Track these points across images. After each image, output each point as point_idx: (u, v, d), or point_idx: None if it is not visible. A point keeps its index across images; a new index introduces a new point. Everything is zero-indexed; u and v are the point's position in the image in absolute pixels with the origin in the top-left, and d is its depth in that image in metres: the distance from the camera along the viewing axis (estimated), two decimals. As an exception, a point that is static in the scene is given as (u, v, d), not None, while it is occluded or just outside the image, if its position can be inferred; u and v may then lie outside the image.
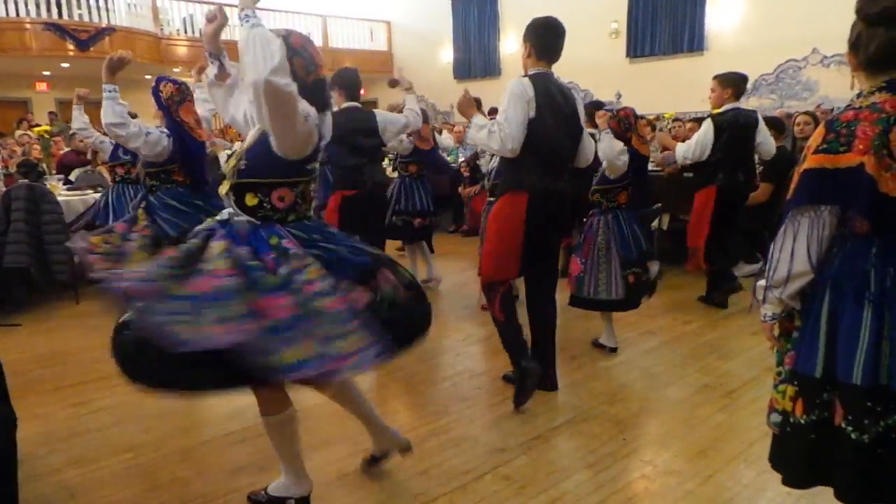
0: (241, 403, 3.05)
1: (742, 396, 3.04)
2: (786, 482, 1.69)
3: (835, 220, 1.52)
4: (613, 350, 3.67)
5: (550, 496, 2.26)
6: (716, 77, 4.16)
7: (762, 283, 1.68)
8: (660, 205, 5.37)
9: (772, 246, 1.61)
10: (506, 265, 2.90)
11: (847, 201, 1.48)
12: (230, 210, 1.98)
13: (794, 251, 1.55)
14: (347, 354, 1.79)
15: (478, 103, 3.78)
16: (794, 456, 1.64)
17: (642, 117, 9.40)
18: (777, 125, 5.19)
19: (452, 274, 5.75)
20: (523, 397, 2.89)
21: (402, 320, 2.01)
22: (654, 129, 7.76)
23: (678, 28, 11.76)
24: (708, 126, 4.05)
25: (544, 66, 2.84)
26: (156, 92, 3.42)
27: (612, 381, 3.27)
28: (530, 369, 2.87)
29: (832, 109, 7.33)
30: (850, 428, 1.49)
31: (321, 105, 1.98)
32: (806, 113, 5.78)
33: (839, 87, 9.97)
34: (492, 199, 4.27)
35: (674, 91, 11.67)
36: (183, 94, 3.37)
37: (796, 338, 1.64)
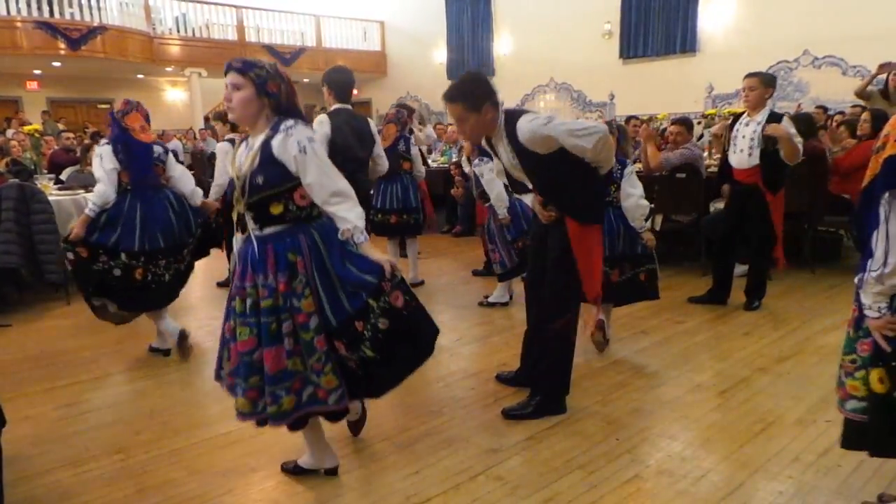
0: (232, 405, 3.05)
1: (734, 396, 3.05)
2: (875, 453, 1.88)
3: None
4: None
5: (543, 496, 2.26)
6: (754, 75, 4.06)
7: (875, 273, 1.68)
8: (652, 206, 5.39)
9: (875, 235, 1.66)
10: (591, 282, 2.76)
11: None
12: (250, 231, 2.14)
13: (892, 234, 1.63)
14: (321, 398, 2.13)
15: None
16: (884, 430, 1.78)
17: (635, 117, 9.46)
18: (810, 127, 5.20)
19: (446, 274, 5.75)
20: (524, 417, 2.86)
21: (406, 344, 2.18)
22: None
23: (671, 29, 11.82)
24: (790, 122, 3.99)
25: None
26: (111, 112, 3.65)
27: (606, 381, 3.28)
28: (557, 411, 2.88)
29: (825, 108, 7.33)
30: None
31: (301, 118, 2.13)
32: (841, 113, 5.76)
33: (830, 88, 10.05)
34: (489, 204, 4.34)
35: (667, 92, 11.72)
36: (130, 106, 3.53)
37: None
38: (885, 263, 1.66)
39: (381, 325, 2.07)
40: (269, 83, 2.06)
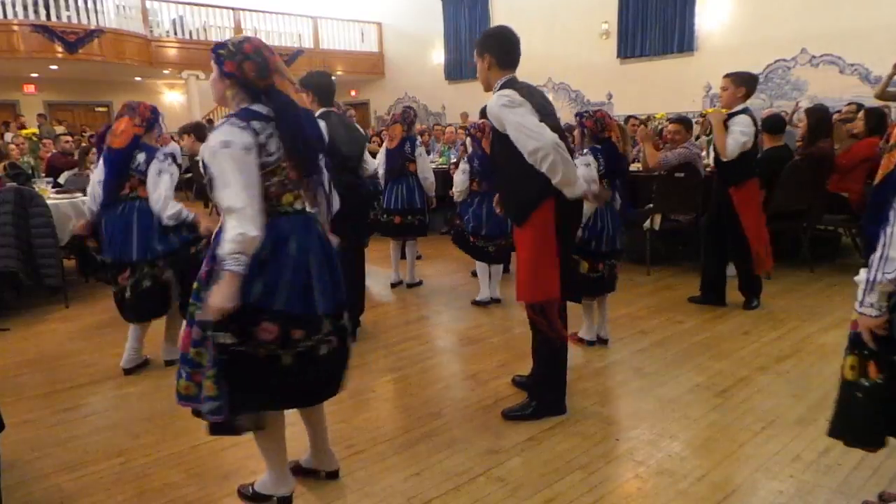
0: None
1: (734, 396, 3.05)
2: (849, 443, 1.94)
3: None
4: (591, 343, 3.75)
5: (544, 497, 2.26)
6: (728, 75, 4.09)
7: (880, 273, 1.68)
8: (651, 205, 5.39)
9: (882, 235, 1.66)
10: (547, 283, 2.66)
11: None
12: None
13: None
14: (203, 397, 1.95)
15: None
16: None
17: (634, 117, 9.46)
18: (774, 125, 5.16)
19: (445, 275, 5.75)
20: (524, 418, 2.85)
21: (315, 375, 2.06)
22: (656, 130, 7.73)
23: (668, 29, 11.82)
24: (748, 122, 4.01)
25: (510, 74, 2.71)
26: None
27: (605, 382, 3.28)
28: (556, 411, 2.85)
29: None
30: None
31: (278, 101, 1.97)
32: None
33: (827, 86, 10.06)
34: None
35: (664, 91, 11.73)
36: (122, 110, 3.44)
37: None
38: (886, 263, 1.65)
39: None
40: (226, 63, 1.92)
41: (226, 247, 1.80)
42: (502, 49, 2.67)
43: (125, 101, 3.53)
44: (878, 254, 1.67)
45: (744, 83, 4.06)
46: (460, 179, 4.69)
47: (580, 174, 2.78)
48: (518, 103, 2.53)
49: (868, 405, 1.80)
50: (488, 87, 2.75)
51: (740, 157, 4.04)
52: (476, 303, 4.72)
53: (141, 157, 3.33)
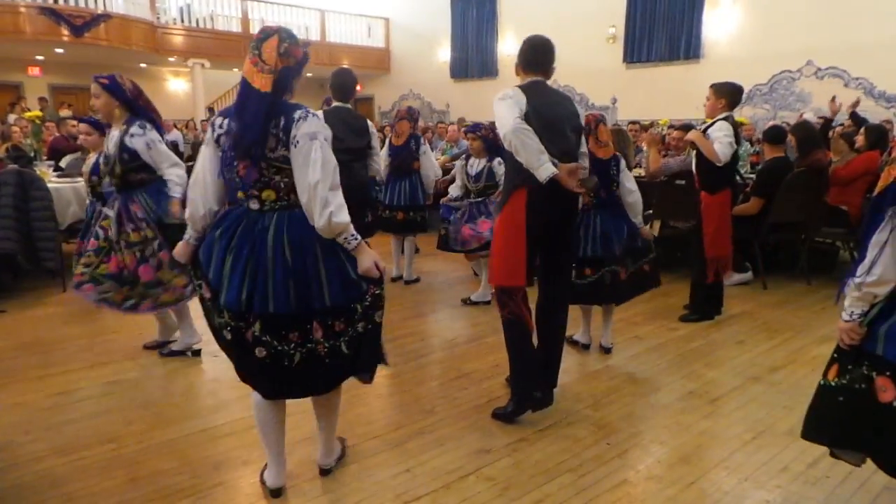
0: (227, 397, 3.07)
1: (726, 405, 3.06)
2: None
3: None
4: (585, 347, 3.76)
5: (533, 498, 2.27)
6: (712, 86, 4.15)
7: (858, 277, 1.74)
8: (650, 211, 5.41)
9: (870, 245, 1.71)
10: (514, 270, 2.74)
11: None
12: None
13: (892, 247, 1.67)
14: None
15: None
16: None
17: (637, 122, 9.46)
18: (776, 136, 5.17)
19: (442, 273, 5.76)
20: (511, 418, 2.84)
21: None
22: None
23: (675, 35, 11.83)
24: (727, 126, 4.02)
25: (533, 76, 2.80)
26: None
27: (598, 386, 3.29)
28: (539, 400, 2.82)
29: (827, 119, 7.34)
30: None
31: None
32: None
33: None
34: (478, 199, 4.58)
35: (669, 98, 11.73)
36: None
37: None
38: (868, 272, 1.71)
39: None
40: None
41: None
42: (526, 54, 2.84)
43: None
44: (862, 261, 1.73)
45: (724, 94, 4.08)
46: (460, 185, 4.77)
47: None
48: (509, 96, 2.65)
49: (818, 404, 1.91)
50: None
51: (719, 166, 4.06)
52: (472, 302, 4.73)
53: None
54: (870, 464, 1.93)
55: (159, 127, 3.38)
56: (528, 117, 2.62)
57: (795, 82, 10.62)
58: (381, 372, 3.41)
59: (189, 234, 2.14)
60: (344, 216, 1.95)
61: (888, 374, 1.70)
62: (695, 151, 4.23)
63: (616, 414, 2.97)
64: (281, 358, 2.00)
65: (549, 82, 2.86)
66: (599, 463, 2.51)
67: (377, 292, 2.09)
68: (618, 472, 2.45)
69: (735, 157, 4.17)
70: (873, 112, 9.28)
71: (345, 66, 4.57)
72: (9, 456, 2.52)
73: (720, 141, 3.97)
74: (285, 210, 2.00)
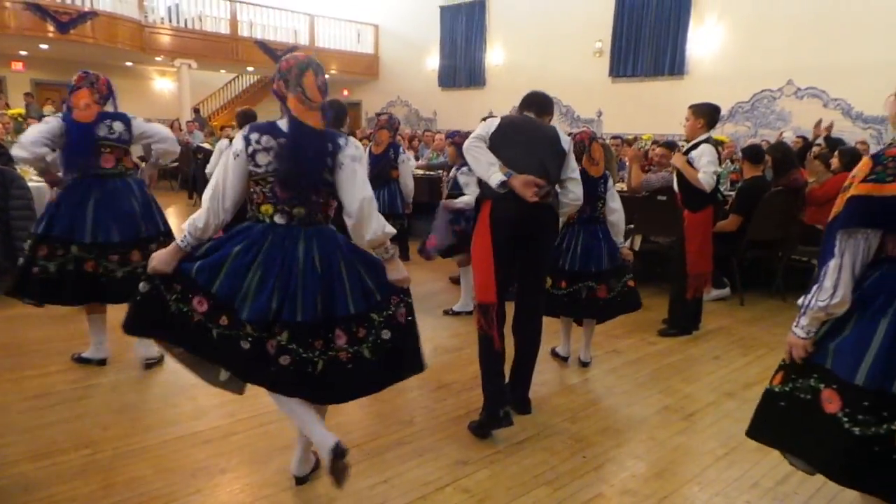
0: (206, 403, 3.06)
1: (701, 420, 3.12)
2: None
3: (877, 242, 1.77)
4: (565, 360, 3.82)
5: (509, 511, 2.30)
6: (690, 107, 4.23)
7: (823, 300, 1.82)
8: (632, 226, 5.48)
9: (824, 266, 1.82)
10: (485, 285, 2.76)
11: (891, 225, 1.73)
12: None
13: (849, 270, 1.78)
14: None
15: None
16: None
17: (619, 137, 9.57)
18: (755, 155, 5.29)
19: (426, 283, 5.78)
20: (482, 432, 2.85)
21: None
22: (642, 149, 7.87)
23: (660, 51, 12.01)
24: (711, 152, 4.10)
25: (525, 112, 3.01)
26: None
27: (576, 399, 3.33)
28: (501, 420, 2.80)
29: (805, 139, 7.51)
30: (845, 419, 1.75)
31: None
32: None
33: (811, 119, 10.26)
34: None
35: (653, 113, 11.90)
36: (83, 81, 3.28)
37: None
38: (832, 295, 1.80)
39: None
40: (275, 81, 2.17)
41: (186, 223, 2.10)
42: (525, 100, 3.07)
43: (83, 71, 3.37)
44: (816, 283, 1.84)
45: (703, 115, 4.15)
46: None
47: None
48: (487, 122, 2.90)
49: (762, 407, 2.02)
50: None
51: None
52: (454, 312, 4.76)
53: (107, 128, 3.29)
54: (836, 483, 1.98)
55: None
56: (496, 134, 2.81)
57: (776, 101, 10.83)
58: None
59: (188, 241, 2.10)
60: (391, 228, 2.19)
61: (835, 387, 1.79)
62: (676, 171, 4.30)
63: (593, 427, 3.01)
64: (305, 364, 2.06)
65: None
66: (575, 476, 2.55)
67: (409, 301, 2.25)
68: (593, 486, 2.49)
69: (717, 176, 4.26)
70: (850, 133, 9.50)
71: (335, 99, 4.55)
72: (-18, 460, 2.49)
73: (705, 170, 4.06)
74: (312, 226, 2.12)
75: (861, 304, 1.79)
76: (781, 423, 1.95)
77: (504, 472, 2.56)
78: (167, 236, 3.49)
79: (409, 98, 16.93)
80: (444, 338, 4.29)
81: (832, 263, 1.80)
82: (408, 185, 5.27)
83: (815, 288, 1.84)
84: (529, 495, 2.40)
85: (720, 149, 4.65)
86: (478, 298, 2.82)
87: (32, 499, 2.26)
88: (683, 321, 4.46)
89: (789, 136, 9.02)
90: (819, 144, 7.44)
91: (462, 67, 15.38)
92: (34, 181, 5.12)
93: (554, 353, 3.85)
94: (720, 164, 4.46)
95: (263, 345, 2.05)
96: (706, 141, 4.12)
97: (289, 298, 2.03)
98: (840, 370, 1.78)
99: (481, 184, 2.84)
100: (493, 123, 2.86)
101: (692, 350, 4.16)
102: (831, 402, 1.79)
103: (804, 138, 9.29)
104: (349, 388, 2.17)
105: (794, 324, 1.91)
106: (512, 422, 2.84)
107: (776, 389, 1.97)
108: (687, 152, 4.20)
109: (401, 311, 2.22)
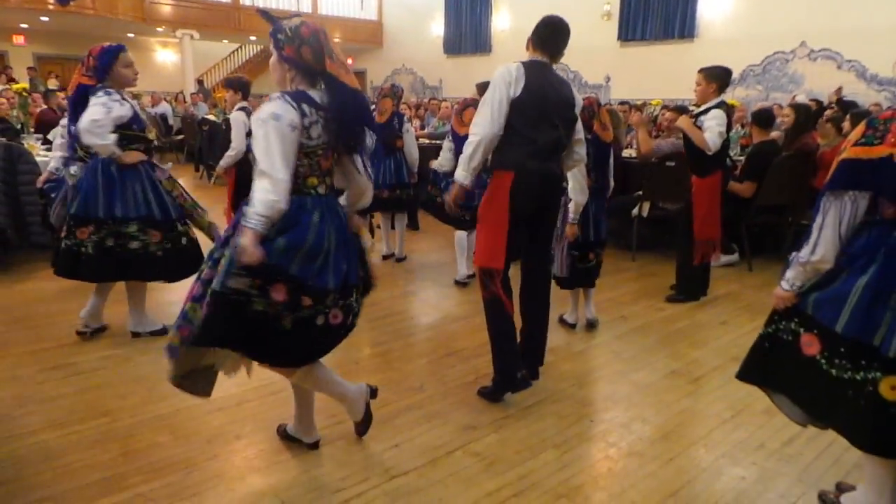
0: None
1: (707, 384, 3.14)
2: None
3: (866, 204, 1.82)
4: (572, 326, 3.86)
5: (518, 473, 2.34)
6: (701, 71, 4.15)
7: (803, 255, 1.92)
8: (640, 193, 5.45)
9: (813, 225, 1.89)
10: (494, 252, 2.78)
11: (879, 187, 1.78)
12: None
13: (831, 229, 1.85)
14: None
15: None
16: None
17: (627, 103, 9.44)
18: (764, 120, 5.21)
19: (432, 252, 5.80)
20: (495, 397, 2.89)
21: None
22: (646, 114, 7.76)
23: (670, 14, 11.77)
24: (721, 115, 4.05)
25: (541, 56, 2.85)
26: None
27: (583, 365, 3.36)
28: (520, 382, 2.82)
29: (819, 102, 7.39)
30: (823, 361, 1.88)
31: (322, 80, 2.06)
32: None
33: (824, 81, 10.10)
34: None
35: (663, 77, 11.71)
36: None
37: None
38: (812, 252, 1.88)
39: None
40: (285, 47, 2.02)
41: (256, 206, 1.89)
42: (540, 31, 2.89)
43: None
44: (807, 240, 1.91)
45: (716, 79, 4.08)
46: (447, 157, 4.62)
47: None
48: (510, 73, 2.72)
49: (751, 350, 2.17)
50: None
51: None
52: (457, 283, 4.77)
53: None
54: (841, 441, 2.01)
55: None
56: (521, 101, 2.65)
57: (788, 64, 10.63)
58: (371, 349, 3.49)
59: (263, 227, 1.90)
60: None
61: (815, 332, 1.90)
62: (683, 135, 4.25)
63: (600, 392, 3.05)
64: (348, 315, 2.17)
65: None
66: (583, 440, 2.59)
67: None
68: (600, 449, 2.53)
69: (726, 140, 4.21)
70: (865, 95, 9.34)
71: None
72: (3, 429, 2.56)
73: (711, 130, 4.00)
74: (335, 193, 2.20)
75: (848, 261, 1.85)
76: (766, 361, 2.08)
77: (513, 437, 2.60)
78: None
79: (415, 66, 16.72)
80: (452, 306, 4.32)
81: (815, 223, 1.88)
82: (412, 153, 5.24)
83: (805, 244, 1.92)
84: (538, 458, 2.44)
85: (731, 112, 4.58)
86: (484, 264, 2.81)
87: (53, 466, 2.32)
88: (691, 287, 4.46)
89: (802, 100, 8.87)
90: (832, 107, 7.33)
91: (468, 34, 15.15)
92: (41, 156, 5.15)
93: (562, 321, 3.87)
94: (730, 128, 4.39)
95: (328, 313, 2.09)
96: (718, 105, 4.06)
97: (352, 262, 2.15)
98: (822, 318, 1.88)
99: (502, 154, 2.76)
100: (520, 83, 2.70)
101: (699, 315, 4.17)
102: (811, 345, 1.92)
103: (818, 101, 9.16)
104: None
105: (781, 277, 2.00)
106: (530, 383, 2.88)
107: (761, 332, 2.12)
108: (697, 116, 4.14)
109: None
